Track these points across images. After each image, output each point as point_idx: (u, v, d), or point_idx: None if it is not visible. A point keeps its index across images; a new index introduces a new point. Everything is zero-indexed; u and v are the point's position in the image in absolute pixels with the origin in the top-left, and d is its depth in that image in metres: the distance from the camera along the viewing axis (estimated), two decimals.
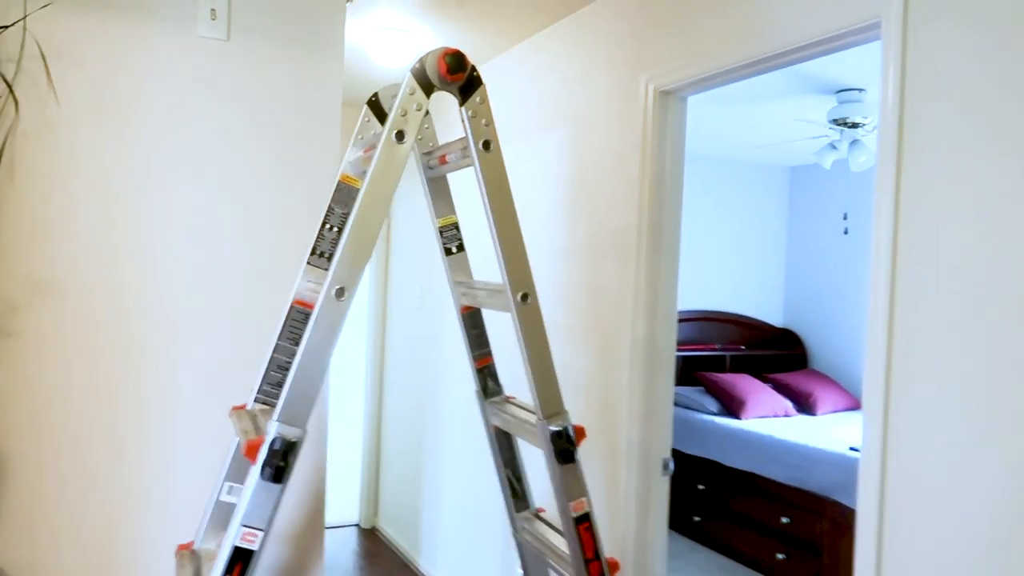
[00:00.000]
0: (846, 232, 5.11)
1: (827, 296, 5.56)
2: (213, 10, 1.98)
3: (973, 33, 1.51)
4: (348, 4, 2.15)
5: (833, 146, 4.13)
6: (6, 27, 1.76)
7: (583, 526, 1.70)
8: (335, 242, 1.64)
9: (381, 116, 1.77)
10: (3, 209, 1.79)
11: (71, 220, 1.84)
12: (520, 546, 2.06)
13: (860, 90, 3.73)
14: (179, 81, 1.95)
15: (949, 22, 1.56)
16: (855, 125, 3.82)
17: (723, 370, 5.42)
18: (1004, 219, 1.45)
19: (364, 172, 1.72)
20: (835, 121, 3.84)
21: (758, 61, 2.04)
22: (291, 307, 1.64)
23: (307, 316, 1.63)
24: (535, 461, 2.67)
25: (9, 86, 1.77)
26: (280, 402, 1.36)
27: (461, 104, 1.56)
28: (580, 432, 1.72)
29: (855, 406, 5.01)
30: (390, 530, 4.65)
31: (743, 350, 5.52)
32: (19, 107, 1.79)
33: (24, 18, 1.78)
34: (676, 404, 4.95)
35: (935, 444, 1.55)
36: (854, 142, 4.02)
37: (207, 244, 1.96)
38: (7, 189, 1.78)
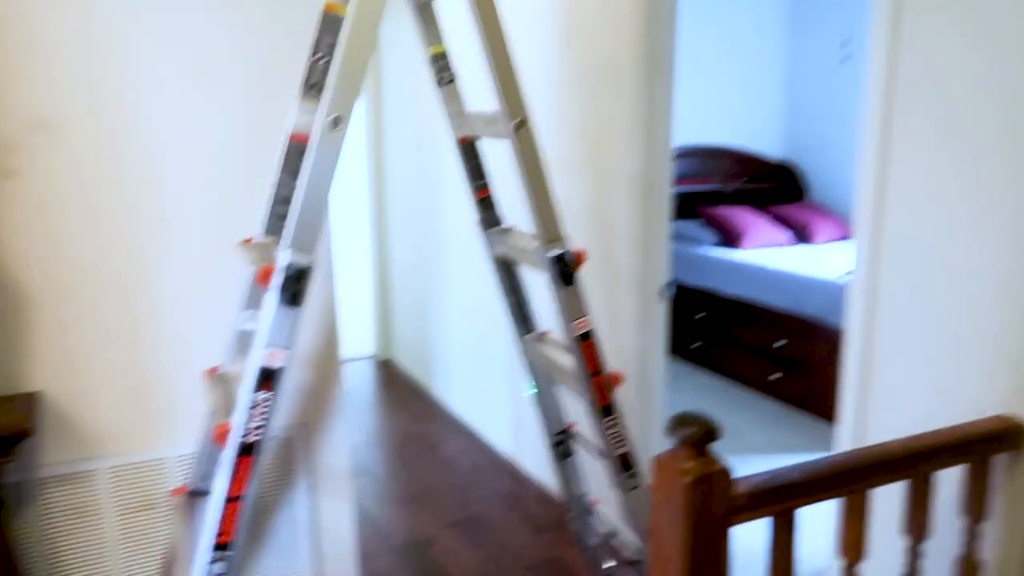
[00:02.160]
0: (848, 58, 4.95)
1: (827, 126, 5.48)
2: None
3: None
4: None
5: None
6: None
7: (586, 343, 1.80)
8: (325, 72, 1.63)
9: None
10: None
11: (56, 57, 1.81)
12: (530, 365, 2.19)
13: None
14: None
15: None
16: None
17: (723, 204, 5.45)
18: (997, 40, 1.42)
19: None
20: None
21: None
22: (289, 141, 1.65)
23: (304, 149, 1.64)
24: (539, 290, 2.77)
25: None
26: (288, 231, 1.41)
27: None
28: (580, 256, 1.78)
29: (851, 235, 5.08)
30: (404, 360, 4.89)
31: (743, 184, 5.52)
32: None
33: None
34: (677, 238, 5.03)
35: (923, 263, 1.61)
36: None
37: (195, 74, 1.93)
38: None
